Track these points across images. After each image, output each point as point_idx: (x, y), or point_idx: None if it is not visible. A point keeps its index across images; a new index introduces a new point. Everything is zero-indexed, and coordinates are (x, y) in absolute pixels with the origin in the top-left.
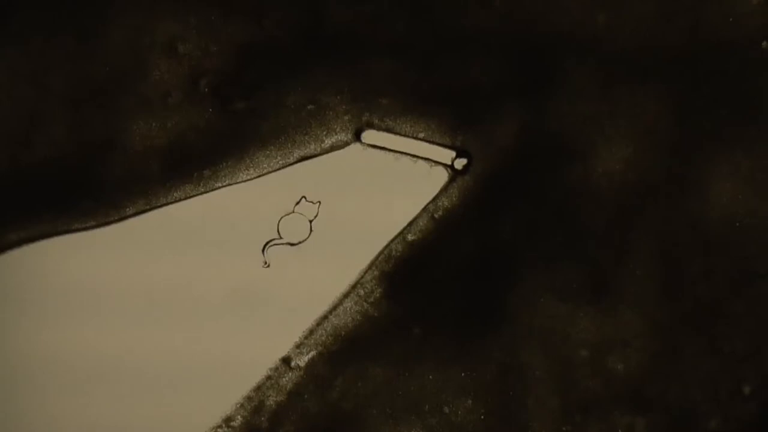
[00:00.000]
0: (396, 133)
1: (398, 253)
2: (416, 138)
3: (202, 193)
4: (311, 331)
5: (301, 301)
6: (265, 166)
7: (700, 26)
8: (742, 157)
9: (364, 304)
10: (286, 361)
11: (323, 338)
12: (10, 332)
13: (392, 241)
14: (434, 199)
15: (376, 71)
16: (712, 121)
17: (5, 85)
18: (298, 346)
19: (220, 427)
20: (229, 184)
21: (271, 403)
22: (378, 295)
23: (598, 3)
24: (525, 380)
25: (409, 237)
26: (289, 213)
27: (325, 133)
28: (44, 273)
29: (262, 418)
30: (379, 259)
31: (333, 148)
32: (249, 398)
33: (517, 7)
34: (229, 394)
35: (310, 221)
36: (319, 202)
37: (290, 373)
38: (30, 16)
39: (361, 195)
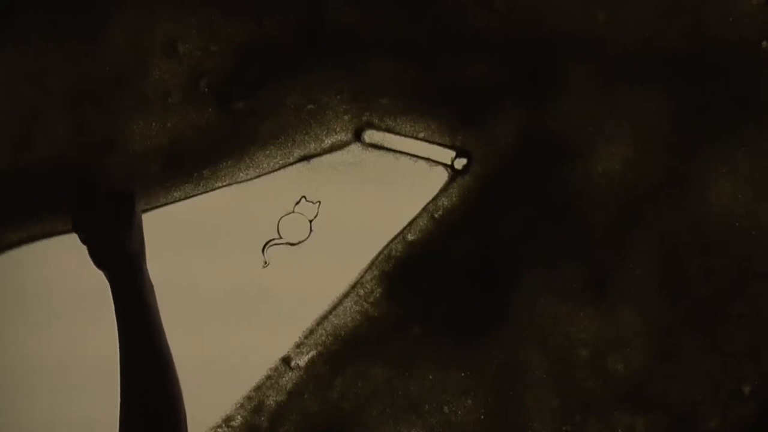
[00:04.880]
0: (396, 133)
1: (398, 253)
2: (416, 138)
3: (202, 193)
4: (311, 331)
5: (301, 301)
6: (265, 166)
7: (701, 26)
8: (742, 157)
9: (364, 304)
10: (286, 361)
11: (323, 338)
12: (10, 332)
13: (392, 241)
14: (434, 199)
15: (376, 71)
16: (712, 121)
17: (5, 85)
18: (298, 346)
19: (220, 427)
20: (229, 184)
21: (271, 403)
22: (378, 295)
23: (598, 3)
24: (525, 380)
25: (409, 237)
26: (289, 213)
27: (325, 133)
28: (44, 273)
29: (262, 418)
30: (379, 259)
31: (333, 148)
32: (249, 398)
33: (517, 7)
34: (229, 394)
35: (310, 221)
36: (319, 202)
37: (290, 373)
38: (30, 16)
39: (361, 195)
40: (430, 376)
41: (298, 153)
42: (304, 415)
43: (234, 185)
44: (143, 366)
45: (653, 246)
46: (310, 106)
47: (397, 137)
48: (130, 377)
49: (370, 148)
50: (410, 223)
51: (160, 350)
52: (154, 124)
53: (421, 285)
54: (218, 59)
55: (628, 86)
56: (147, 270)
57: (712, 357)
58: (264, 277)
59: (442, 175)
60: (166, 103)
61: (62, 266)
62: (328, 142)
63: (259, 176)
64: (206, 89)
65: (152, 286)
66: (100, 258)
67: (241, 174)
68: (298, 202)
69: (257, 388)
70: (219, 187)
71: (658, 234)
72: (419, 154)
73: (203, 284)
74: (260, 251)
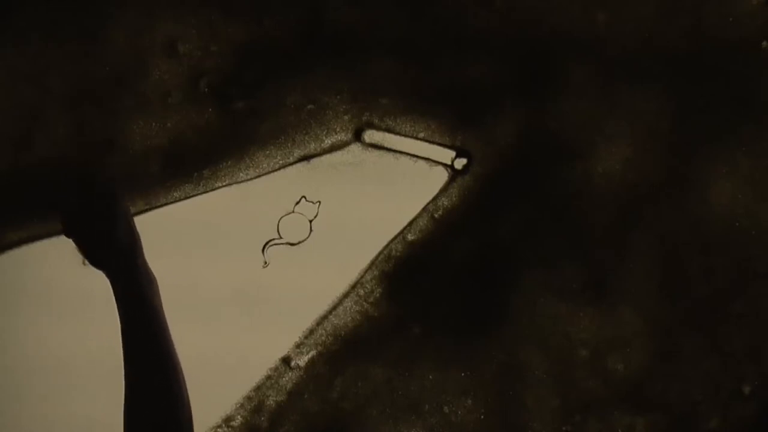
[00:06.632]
0: (396, 133)
1: (398, 253)
2: (416, 138)
3: (202, 193)
4: (311, 331)
5: (301, 301)
6: (265, 166)
7: (701, 26)
8: (742, 157)
9: (364, 304)
10: (286, 361)
11: (323, 338)
12: (10, 332)
13: (392, 241)
14: (434, 199)
15: (376, 71)
16: (712, 121)
17: (5, 85)
18: (298, 346)
19: (220, 427)
20: (229, 184)
21: (271, 403)
22: (378, 295)
23: (598, 3)
24: (525, 380)
25: (409, 237)
26: (289, 213)
27: (325, 133)
28: (44, 273)
29: (262, 418)
30: (379, 259)
31: (333, 148)
32: (249, 398)
33: (517, 7)
34: (229, 394)
35: (310, 221)
36: (319, 202)
37: (290, 373)
38: (30, 16)
39: (361, 195)
40: (430, 376)
41: (298, 153)
42: (304, 415)
43: (234, 185)
44: (145, 362)
45: (653, 246)
46: (310, 106)
47: (397, 137)
48: (133, 375)
49: (370, 148)
50: (410, 223)
51: (164, 346)
52: (154, 124)
53: (421, 285)
54: (218, 59)
55: (628, 86)
56: (145, 264)
57: (712, 357)
58: (264, 277)
59: (442, 175)
60: (166, 103)
61: (62, 266)
62: (328, 142)
63: (259, 176)
64: (206, 89)
65: (153, 280)
66: (93, 257)
67: (241, 174)
68: (298, 202)
69: (257, 388)
70: (219, 187)
71: (658, 234)
72: (419, 154)
73: (203, 284)
74: (260, 251)
